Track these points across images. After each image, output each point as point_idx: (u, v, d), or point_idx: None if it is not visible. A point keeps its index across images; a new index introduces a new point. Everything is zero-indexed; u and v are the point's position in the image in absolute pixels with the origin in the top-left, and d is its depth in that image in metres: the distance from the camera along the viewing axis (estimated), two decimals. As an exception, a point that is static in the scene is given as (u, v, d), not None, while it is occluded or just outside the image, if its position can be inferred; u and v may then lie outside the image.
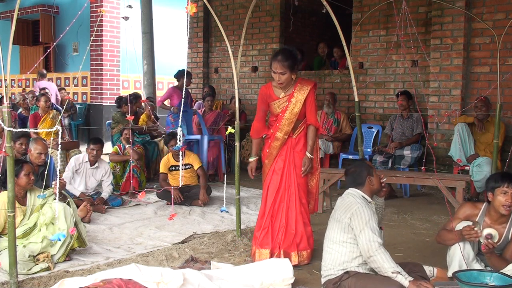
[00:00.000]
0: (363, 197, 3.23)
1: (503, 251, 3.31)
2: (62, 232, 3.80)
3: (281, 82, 3.87)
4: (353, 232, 3.10)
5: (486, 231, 3.20)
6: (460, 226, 3.35)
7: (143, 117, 7.94)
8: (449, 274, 3.34)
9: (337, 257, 3.16)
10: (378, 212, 3.37)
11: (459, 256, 3.29)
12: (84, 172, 5.79)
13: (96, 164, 5.82)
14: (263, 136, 4.15)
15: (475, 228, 3.19)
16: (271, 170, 4.03)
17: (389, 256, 2.98)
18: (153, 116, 7.98)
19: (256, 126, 4.09)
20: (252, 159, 4.09)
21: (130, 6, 6.25)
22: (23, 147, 5.15)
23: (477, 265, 3.28)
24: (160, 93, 13.21)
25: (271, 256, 3.91)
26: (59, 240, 3.82)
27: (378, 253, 2.96)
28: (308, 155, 3.98)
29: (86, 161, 5.78)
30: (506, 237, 3.32)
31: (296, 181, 3.96)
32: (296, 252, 3.90)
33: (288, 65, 3.80)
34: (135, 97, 8.29)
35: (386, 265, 2.93)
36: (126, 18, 5.18)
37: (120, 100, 7.89)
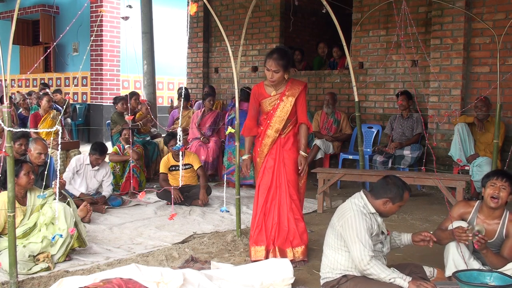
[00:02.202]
0: (365, 205, 3.11)
1: (501, 248, 3.31)
2: (60, 233, 3.81)
3: (273, 80, 3.95)
4: (344, 240, 3.08)
5: (475, 228, 3.20)
6: (454, 225, 3.36)
7: (138, 116, 7.89)
8: (447, 274, 3.34)
9: (334, 264, 3.16)
10: (392, 245, 3.31)
11: (453, 255, 3.30)
12: (85, 173, 5.79)
13: (97, 166, 5.82)
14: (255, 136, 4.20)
15: (467, 231, 3.18)
16: (262, 169, 4.08)
17: (382, 265, 2.97)
18: (149, 116, 7.95)
19: (248, 124, 4.16)
20: (245, 157, 4.16)
21: (130, 6, 6.25)
22: (22, 147, 5.14)
23: (475, 263, 3.27)
24: (160, 93, 13.26)
25: (267, 252, 3.94)
26: (53, 240, 3.82)
27: (371, 266, 2.94)
28: (302, 153, 4.04)
29: (87, 164, 5.78)
30: (500, 233, 3.32)
31: (286, 178, 4.01)
32: (291, 248, 3.95)
33: (282, 64, 3.89)
34: (133, 94, 8.29)
35: (382, 275, 2.93)
36: (126, 18, 5.19)
37: (116, 100, 7.91)
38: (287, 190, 4.00)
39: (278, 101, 4.00)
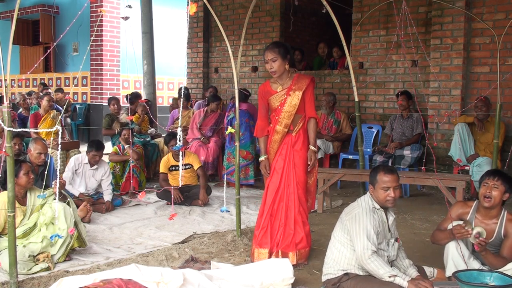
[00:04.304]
0: (371, 201, 3.17)
1: (500, 248, 3.31)
2: (60, 233, 3.81)
3: (273, 71, 3.90)
4: (350, 234, 3.10)
5: (475, 230, 3.20)
6: (453, 225, 3.36)
7: (135, 119, 7.91)
8: (447, 274, 3.34)
9: (339, 257, 3.16)
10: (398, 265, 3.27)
11: (453, 255, 3.31)
12: (83, 173, 5.78)
13: (96, 165, 5.81)
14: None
15: (466, 227, 3.20)
16: (272, 169, 4.04)
17: (383, 262, 2.98)
18: (146, 117, 7.96)
19: (260, 124, 4.11)
20: (262, 158, 4.09)
21: (130, 6, 6.26)
22: (16, 147, 5.16)
23: (475, 263, 3.28)
24: (160, 93, 13.26)
25: (270, 255, 3.92)
26: (51, 239, 3.82)
27: (372, 261, 2.96)
28: (312, 148, 3.97)
29: (86, 163, 5.77)
30: (499, 233, 3.33)
31: (295, 180, 3.96)
32: (295, 252, 3.90)
33: (278, 51, 3.86)
34: (135, 96, 8.29)
35: (381, 271, 2.94)
36: (126, 18, 5.19)
37: (108, 101, 7.92)
38: (296, 191, 3.96)
39: (285, 96, 3.95)
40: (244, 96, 7.19)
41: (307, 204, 4.10)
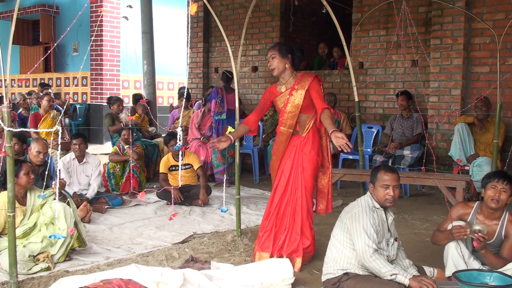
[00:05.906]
0: (371, 201, 3.18)
1: (500, 249, 3.32)
2: (60, 233, 3.81)
3: (272, 68, 3.95)
4: (350, 233, 3.10)
5: (475, 227, 3.21)
6: (452, 225, 3.37)
7: (135, 118, 7.91)
8: (446, 274, 3.34)
9: (338, 257, 3.17)
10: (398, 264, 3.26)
11: (453, 255, 3.31)
12: (74, 170, 5.80)
13: (84, 160, 5.82)
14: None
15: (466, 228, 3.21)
16: (280, 172, 4.02)
17: (384, 260, 2.99)
18: (146, 116, 7.96)
19: (249, 115, 4.20)
20: (227, 133, 4.13)
21: (130, 6, 6.26)
22: (16, 147, 5.18)
23: (475, 263, 3.28)
24: (160, 93, 13.26)
25: None
26: (50, 237, 3.82)
27: (373, 260, 2.97)
28: (334, 130, 3.43)
29: (74, 158, 5.79)
30: (499, 234, 3.33)
31: (303, 184, 3.92)
32: (301, 258, 3.86)
33: (278, 49, 3.92)
34: (140, 97, 8.30)
35: (383, 269, 2.95)
36: (126, 18, 5.18)
37: (110, 100, 7.93)
38: (304, 196, 3.92)
39: (288, 96, 3.95)
40: (227, 78, 7.22)
41: (318, 207, 4.10)
